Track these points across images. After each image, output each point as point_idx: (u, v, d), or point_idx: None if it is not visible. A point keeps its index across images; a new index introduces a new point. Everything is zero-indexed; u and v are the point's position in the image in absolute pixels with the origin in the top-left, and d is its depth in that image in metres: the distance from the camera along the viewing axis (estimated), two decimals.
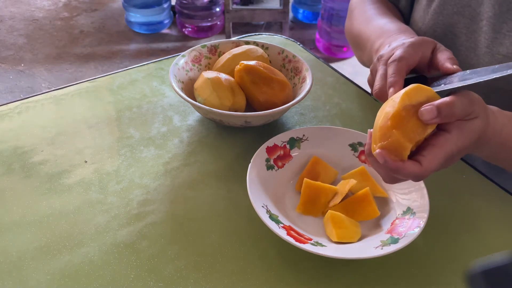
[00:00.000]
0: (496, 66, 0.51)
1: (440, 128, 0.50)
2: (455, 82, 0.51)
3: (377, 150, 0.48)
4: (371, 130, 0.51)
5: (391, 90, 0.53)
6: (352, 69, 2.46)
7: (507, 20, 0.64)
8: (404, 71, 0.55)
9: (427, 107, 0.47)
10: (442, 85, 0.52)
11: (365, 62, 0.78)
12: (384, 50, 0.60)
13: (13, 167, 0.67)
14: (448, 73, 0.54)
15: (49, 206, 0.62)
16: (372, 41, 0.69)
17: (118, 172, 0.67)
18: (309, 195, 0.61)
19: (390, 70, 0.55)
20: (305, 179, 0.62)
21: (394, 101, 0.49)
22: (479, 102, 0.50)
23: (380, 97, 0.57)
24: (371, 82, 0.62)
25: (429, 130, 0.49)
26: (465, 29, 0.69)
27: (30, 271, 0.54)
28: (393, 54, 0.57)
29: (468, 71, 0.52)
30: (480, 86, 0.68)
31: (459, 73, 0.53)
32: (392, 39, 0.64)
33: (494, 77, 0.48)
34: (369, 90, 0.89)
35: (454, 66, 0.54)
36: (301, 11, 2.86)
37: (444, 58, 0.55)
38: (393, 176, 0.51)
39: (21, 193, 0.63)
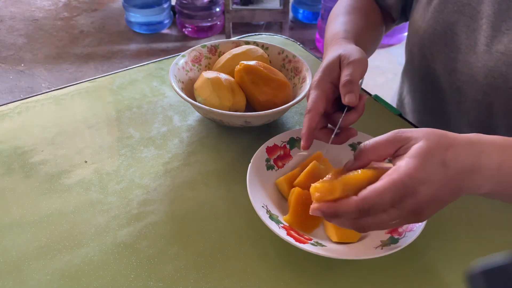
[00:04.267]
0: None
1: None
2: None
3: (312, 206, 0.47)
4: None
5: (306, 117, 0.57)
6: None
7: (506, 18, 0.64)
8: (312, 122, 0.57)
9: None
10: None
11: None
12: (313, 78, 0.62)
13: (13, 167, 0.67)
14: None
15: (49, 206, 0.62)
16: (325, 45, 0.71)
17: (118, 172, 0.67)
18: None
19: (304, 122, 0.58)
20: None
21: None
22: (411, 131, 0.47)
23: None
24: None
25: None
26: (465, 27, 0.69)
27: (30, 271, 0.54)
28: (308, 94, 0.60)
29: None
30: (478, 84, 0.68)
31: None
32: (325, 54, 0.65)
33: None
34: (368, 90, 0.89)
35: (346, 98, 0.56)
36: (301, 11, 2.86)
37: (340, 87, 0.57)
38: (343, 221, 0.47)
39: (21, 193, 0.63)
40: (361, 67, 0.58)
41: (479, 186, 0.47)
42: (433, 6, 0.72)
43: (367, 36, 0.74)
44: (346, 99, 0.56)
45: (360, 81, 0.59)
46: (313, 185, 0.48)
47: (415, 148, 0.45)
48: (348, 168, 0.50)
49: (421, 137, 0.46)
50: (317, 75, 0.60)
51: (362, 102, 0.58)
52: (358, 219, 0.45)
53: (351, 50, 0.60)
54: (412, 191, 0.43)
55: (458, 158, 0.45)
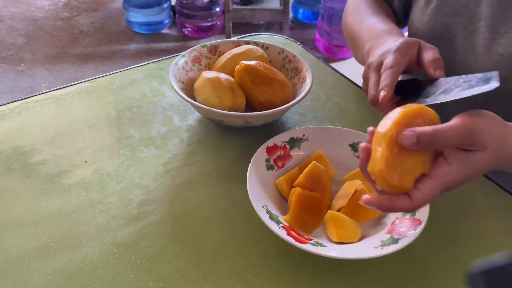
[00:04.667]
0: (481, 74, 0.49)
1: (443, 155, 0.46)
2: (437, 93, 0.51)
3: (364, 197, 0.47)
4: (371, 128, 0.49)
5: (381, 93, 0.54)
6: (352, 69, 2.46)
7: (505, 20, 0.64)
8: (395, 76, 0.55)
9: (408, 132, 0.44)
10: (428, 99, 0.52)
11: (360, 61, 0.79)
12: (373, 57, 0.60)
13: (13, 167, 0.67)
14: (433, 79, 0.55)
15: (49, 206, 0.62)
16: (363, 43, 0.70)
17: (118, 172, 0.67)
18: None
19: (383, 77, 0.56)
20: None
21: (386, 134, 0.46)
22: (489, 133, 0.46)
23: (375, 105, 0.57)
24: (365, 89, 0.63)
25: (429, 158, 0.46)
26: (463, 29, 0.69)
27: (30, 271, 0.54)
28: (382, 61, 0.58)
29: (457, 78, 0.51)
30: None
31: (448, 80, 0.53)
32: (380, 41, 0.64)
33: (474, 93, 0.46)
34: None
35: (437, 72, 0.54)
36: (301, 11, 2.86)
37: (428, 61, 0.56)
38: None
39: (21, 193, 0.63)
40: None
41: None
42: (431, 9, 0.72)
43: None
44: (437, 73, 0.55)
45: None
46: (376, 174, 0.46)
47: (479, 161, 0.46)
48: (406, 147, 0.46)
49: (488, 148, 0.46)
50: (394, 44, 0.58)
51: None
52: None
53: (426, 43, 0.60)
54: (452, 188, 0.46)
55: None
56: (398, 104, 0.56)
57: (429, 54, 0.57)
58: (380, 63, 0.58)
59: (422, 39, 0.74)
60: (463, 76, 0.52)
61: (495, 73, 0.48)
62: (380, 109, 0.57)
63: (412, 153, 0.45)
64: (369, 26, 0.72)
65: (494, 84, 0.47)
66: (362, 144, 0.48)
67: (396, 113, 0.46)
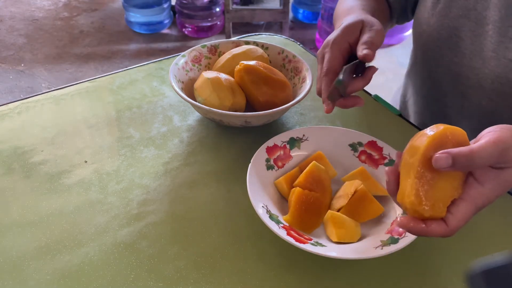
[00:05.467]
0: None
1: (471, 175, 0.45)
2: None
3: (398, 219, 0.46)
4: (399, 152, 0.48)
5: (324, 106, 0.56)
6: None
7: None
8: (336, 56, 0.57)
9: (442, 154, 0.43)
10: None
11: None
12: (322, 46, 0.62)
13: (13, 167, 0.67)
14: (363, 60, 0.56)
15: (49, 206, 0.62)
16: (336, 24, 0.70)
17: (118, 172, 0.67)
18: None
19: (321, 85, 0.57)
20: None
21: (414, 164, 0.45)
22: None
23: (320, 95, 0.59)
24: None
25: (461, 182, 0.45)
26: (470, 32, 0.68)
27: (30, 271, 0.54)
28: (323, 53, 0.60)
29: None
30: (483, 90, 0.68)
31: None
32: (338, 23, 0.64)
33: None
34: (368, 90, 0.89)
35: (364, 51, 0.55)
36: (301, 11, 2.86)
37: (360, 43, 0.57)
38: None
39: (21, 193, 0.63)
40: (382, 37, 0.58)
41: None
42: (438, 10, 0.71)
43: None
44: (364, 52, 0.55)
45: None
46: (408, 200, 0.45)
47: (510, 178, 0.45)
48: (441, 170, 0.45)
49: None
50: (334, 34, 0.59)
51: (371, 72, 0.58)
52: None
53: (373, 20, 0.60)
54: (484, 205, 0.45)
55: None
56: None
57: (365, 36, 0.58)
58: (322, 56, 0.60)
59: (428, 41, 0.73)
60: None
61: None
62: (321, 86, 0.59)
63: (443, 179, 0.44)
64: (343, 6, 0.72)
65: None
66: (388, 168, 0.48)
67: (422, 140, 0.45)
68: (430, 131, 0.46)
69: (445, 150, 0.43)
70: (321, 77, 0.59)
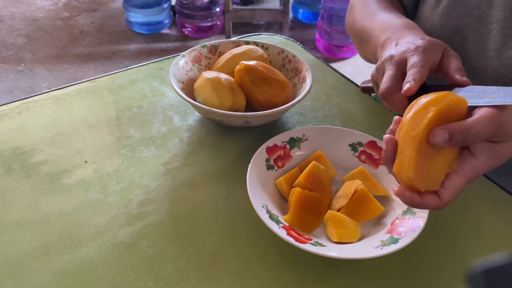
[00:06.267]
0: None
1: (467, 149, 0.46)
2: (472, 95, 0.49)
3: (395, 188, 0.47)
4: (396, 117, 0.49)
5: (407, 85, 0.51)
6: (352, 69, 2.46)
7: None
8: (424, 75, 0.53)
9: (438, 130, 0.44)
10: (476, 100, 0.49)
11: (369, 57, 0.75)
12: (393, 49, 0.58)
13: (13, 167, 0.67)
14: (458, 85, 0.53)
15: (49, 206, 0.62)
16: (377, 36, 0.67)
17: (118, 172, 0.67)
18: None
19: (411, 72, 0.53)
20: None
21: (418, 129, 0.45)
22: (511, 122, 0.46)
23: (386, 98, 0.55)
24: (375, 79, 0.61)
25: (457, 156, 0.46)
26: (474, 31, 0.67)
27: (30, 271, 0.54)
28: (405, 57, 0.55)
29: (483, 87, 0.50)
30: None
31: (469, 89, 0.51)
32: (399, 35, 0.62)
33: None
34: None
35: (464, 79, 0.53)
36: (301, 11, 2.86)
37: (454, 68, 0.54)
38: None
39: (21, 193, 0.63)
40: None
41: None
42: (441, 9, 0.70)
43: None
44: (464, 79, 0.53)
45: None
46: (406, 175, 0.46)
47: (504, 151, 0.47)
48: (438, 145, 0.46)
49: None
50: (420, 43, 0.56)
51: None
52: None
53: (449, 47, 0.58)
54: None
55: None
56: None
57: (454, 62, 0.55)
58: (403, 59, 0.56)
59: None
60: (488, 87, 0.50)
61: None
62: (389, 103, 0.56)
63: (440, 153, 0.45)
64: (383, 21, 0.69)
65: None
66: (387, 136, 0.48)
67: (426, 114, 0.45)
68: (432, 106, 0.45)
69: (442, 126, 0.44)
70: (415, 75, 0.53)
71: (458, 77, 0.53)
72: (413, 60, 0.54)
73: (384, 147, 0.48)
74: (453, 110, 0.46)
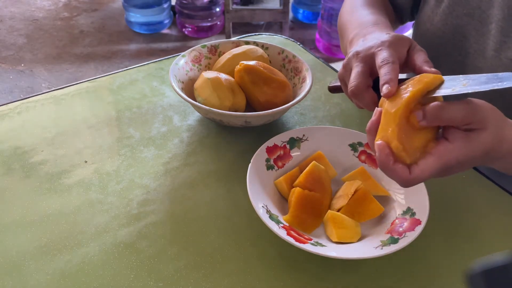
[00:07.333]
0: (491, 74, 0.48)
1: (444, 136, 0.47)
2: (447, 80, 0.50)
3: (379, 141, 0.48)
4: (379, 109, 0.49)
5: (385, 87, 0.50)
6: None
7: None
8: (397, 72, 0.53)
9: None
10: (450, 89, 0.49)
11: (344, 52, 0.75)
12: (359, 46, 0.57)
13: (13, 167, 0.67)
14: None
15: (49, 206, 0.62)
16: (350, 32, 0.67)
17: (118, 172, 0.67)
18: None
19: (385, 70, 0.52)
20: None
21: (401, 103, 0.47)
22: (489, 113, 0.47)
23: (356, 96, 0.55)
24: (342, 77, 0.60)
25: (429, 135, 0.48)
26: (474, 31, 0.67)
27: (30, 271, 0.54)
28: (372, 53, 0.55)
29: (460, 76, 0.50)
30: (484, 90, 0.67)
31: (444, 76, 0.52)
32: (366, 31, 0.62)
33: (486, 89, 0.45)
34: None
35: (433, 69, 0.53)
36: (301, 11, 2.86)
37: (421, 61, 0.54)
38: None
39: (21, 193, 0.63)
40: None
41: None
42: (442, 9, 0.70)
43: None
44: (433, 70, 0.53)
45: None
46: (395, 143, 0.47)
47: (479, 140, 0.47)
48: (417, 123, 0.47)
49: (488, 127, 0.47)
50: (386, 38, 0.56)
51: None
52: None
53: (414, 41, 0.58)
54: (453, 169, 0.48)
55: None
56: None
57: (421, 55, 0.55)
58: (370, 54, 0.55)
59: (431, 40, 0.73)
60: (457, 76, 0.50)
61: (508, 74, 0.47)
62: (360, 100, 0.55)
63: (419, 133, 0.47)
64: (360, 16, 0.69)
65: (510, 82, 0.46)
66: (378, 110, 0.49)
67: (406, 92, 0.47)
68: (411, 86, 0.48)
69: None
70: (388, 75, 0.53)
71: (426, 68, 0.53)
72: (382, 55, 0.54)
73: (372, 118, 0.49)
74: (433, 85, 0.48)
